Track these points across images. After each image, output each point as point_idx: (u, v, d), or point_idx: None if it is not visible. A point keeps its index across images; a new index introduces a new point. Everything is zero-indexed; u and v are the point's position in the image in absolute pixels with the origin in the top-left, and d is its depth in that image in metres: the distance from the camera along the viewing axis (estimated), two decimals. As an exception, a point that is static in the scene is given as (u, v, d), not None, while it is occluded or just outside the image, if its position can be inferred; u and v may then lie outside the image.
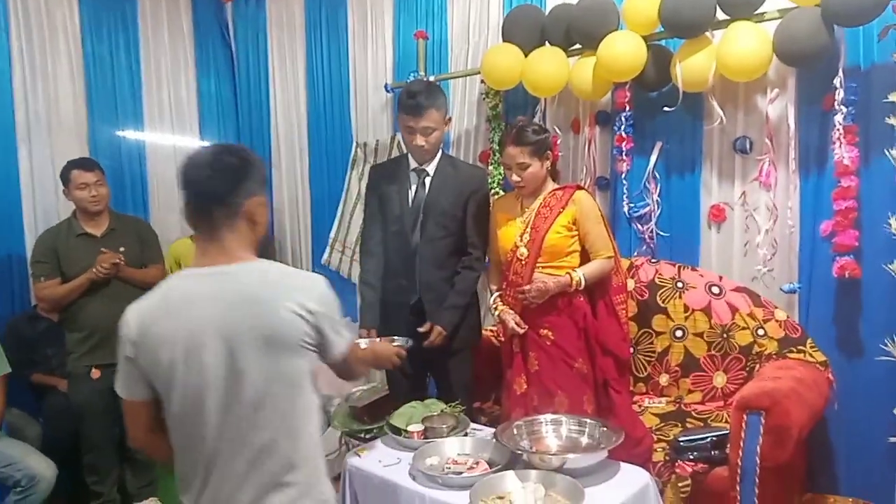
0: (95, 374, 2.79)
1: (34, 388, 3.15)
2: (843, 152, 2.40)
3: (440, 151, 2.52)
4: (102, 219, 2.87)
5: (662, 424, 2.52)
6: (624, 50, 2.64)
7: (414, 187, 2.48)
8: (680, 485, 2.17)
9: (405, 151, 2.58)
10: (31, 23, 3.41)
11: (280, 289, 1.31)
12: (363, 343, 2.22)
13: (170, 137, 4.04)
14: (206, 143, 4.21)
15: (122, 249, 2.83)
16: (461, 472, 1.89)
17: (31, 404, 3.13)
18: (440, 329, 2.45)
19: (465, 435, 2.15)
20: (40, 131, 3.43)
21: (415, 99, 2.34)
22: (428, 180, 2.48)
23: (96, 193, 2.80)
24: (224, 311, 1.28)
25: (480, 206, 2.51)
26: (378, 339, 2.40)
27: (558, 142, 3.10)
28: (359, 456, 2.09)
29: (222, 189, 1.32)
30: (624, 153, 2.90)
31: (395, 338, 2.28)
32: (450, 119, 2.54)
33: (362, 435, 2.46)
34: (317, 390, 1.38)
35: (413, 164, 2.49)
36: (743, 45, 2.44)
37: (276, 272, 1.36)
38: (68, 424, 2.90)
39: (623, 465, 1.90)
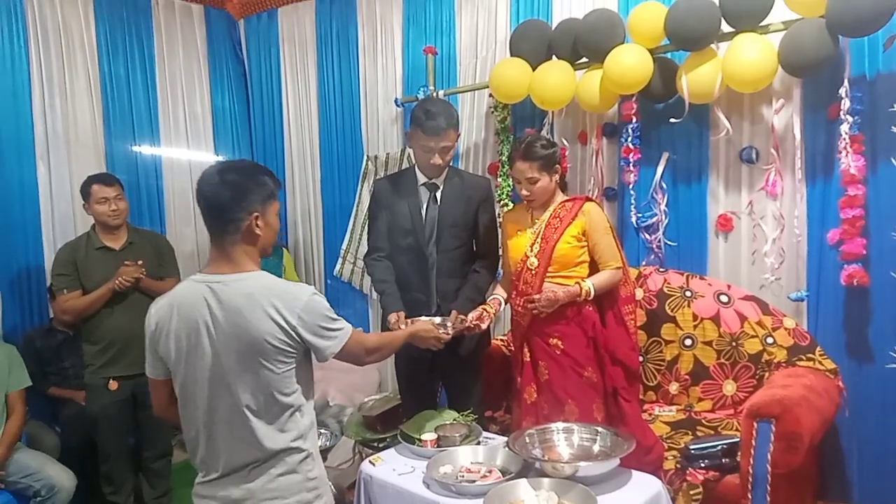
0: (113, 385, 2.83)
1: (51, 398, 3.20)
2: (849, 161, 2.42)
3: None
4: (121, 233, 2.93)
5: (673, 433, 2.54)
6: (630, 63, 2.68)
7: (426, 201, 2.51)
8: (691, 492, 2.18)
9: (412, 164, 2.61)
10: (50, 41, 3.50)
11: (263, 301, 1.45)
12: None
13: (185, 152, 4.12)
14: (221, 158, 4.29)
15: (140, 262, 2.88)
16: (474, 481, 1.91)
17: (49, 415, 3.18)
18: (462, 316, 2.38)
19: (478, 443, 2.18)
20: (58, 147, 3.51)
21: (435, 120, 2.36)
22: (439, 194, 2.51)
23: (116, 207, 2.86)
24: (214, 317, 1.45)
25: (490, 214, 2.58)
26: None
27: (566, 153, 3.14)
28: (373, 464, 2.12)
29: (224, 204, 1.48)
30: (631, 164, 2.93)
31: (436, 319, 2.32)
32: (459, 134, 2.58)
33: (375, 444, 2.49)
34: (302, 385, 1.53)
35: (422, 178, 2.52)
36: (748, 56, 2.47)
37: (263, 285, 1.48)
38: (85, 435, 2.94)
39: (635, 472, 1.92)
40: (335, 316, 1.54)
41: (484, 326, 2.37)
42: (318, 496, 1.55)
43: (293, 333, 1.45)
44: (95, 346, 2.85)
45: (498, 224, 2.68)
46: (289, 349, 1.46)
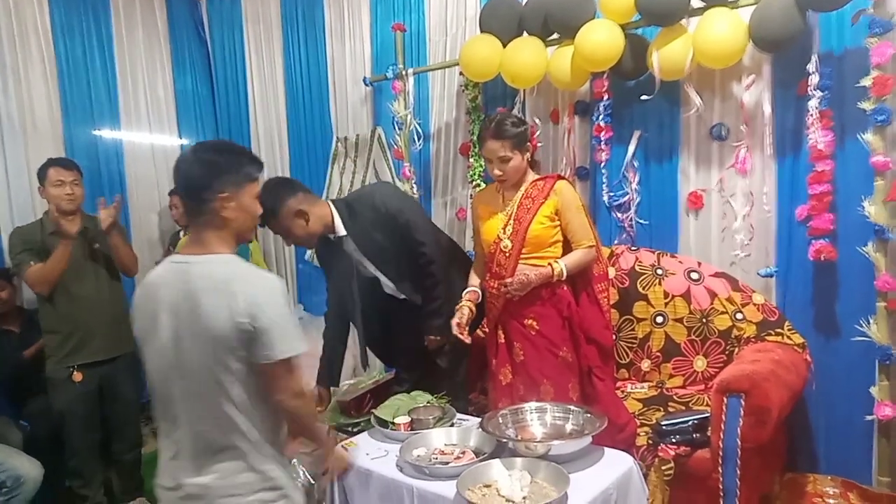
0: (77, 377, 2.76)
1: (15, 394, 3.11)
2: (817, 137, 2.43)
3: (331, 210, 2.38)
4: (75, 219, 2.83)
5: (645, 409, 2.56)
6: (601, 39, 2.65)
7: (348, 254, 2.46)
8: (663, 468, 2.20)
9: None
10: (1, 23, 3.35)
11: (222, 290, 1.36)
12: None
13: (147, 136, 4.01)
14: (185, 142, 4.18)
15: (96, 246, 2.81)
16: (448, 462, 1.90)
17: (13, 410, 3.09)
18: (431, 339, 2.53)
19: (452, 425, 2.17)
20: (14, 134, 3.38)
21: (262, 212, 2.31)
22: (349, 241, 2.42)
23: (71, 192, 2.77)
24: (175, 300, 1.40)
25: (400, 218, 2.40)
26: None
27: (536, 133, 3.11)
28: (346, 449, 2.09)
29: (196, 183, 1.43)
30: (603, 142, 2.92)
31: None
32: (303, 212, 2.28)
33: (350, 428, 2.47)
34: (260, 384, 1.41)
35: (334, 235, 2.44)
36: (718, 32, 2.46)
37: (227, 273, 1.39)
38: (52, 429, 2.86)
39: (607, 450, 1.92)
40: (293, 326, 1.40)
41: (467, 337, 2.35)
42: (282, 496, 1.46)
43: (244, 327, 1.34)
44: (57, 335, 2.77)
45: (457, 193, 2.71)
46: (238, 344, 1.35)
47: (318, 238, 2.43)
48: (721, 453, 2.12)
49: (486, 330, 2.51)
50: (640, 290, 2.80)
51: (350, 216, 2.40)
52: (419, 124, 3.46)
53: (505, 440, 1.93)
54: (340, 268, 2.51)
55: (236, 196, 1.44)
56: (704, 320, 2.68)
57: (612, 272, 2.81)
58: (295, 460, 2.44)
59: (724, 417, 2.11)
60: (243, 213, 1.47)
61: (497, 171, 2.28)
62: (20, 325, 3.14)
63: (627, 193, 2.97)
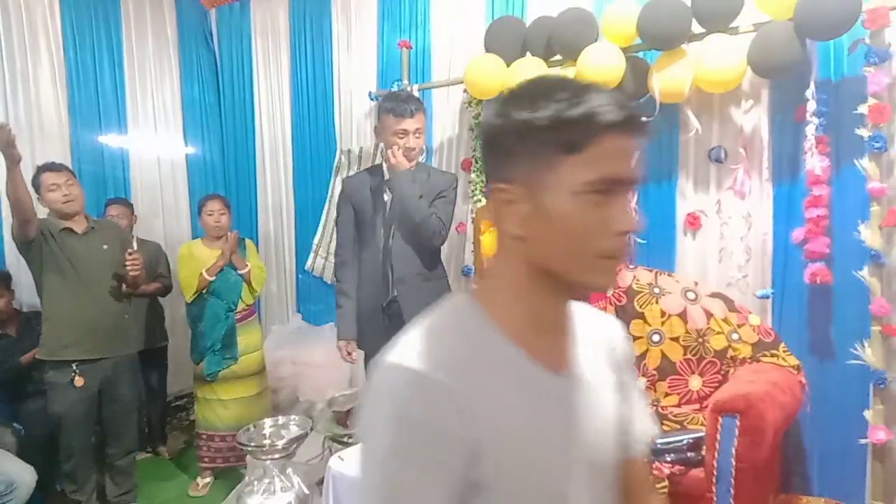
0: (79, 381, 2.75)
1: (10, 395, 3.11)
2: (814, 162, 2.47)
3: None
4: (80, 219, 2.83)
5: (641, 428, 2.56)
6: (603, 61, 2.70)
7: (390, 197, 2.51)
8: (657, 486, 2.21)
9: (379, 162, 2.63)
10: (12, 27, 3.39)
11: None
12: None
13: (153, 143, 4.04)
14: (190, 150, 4.20)
15: (105, 247, 2.82)
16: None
17: (8, 412, 3.09)
18: None
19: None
20: (21, 136, 3.37)
21: (407, 103, 2.43)
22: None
23: (68, 192, 2.76)
24: None
25: (447, 197, 2.55)
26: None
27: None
28: (341, 459, 2.10)
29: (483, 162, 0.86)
30: (603, 162, 2.94)
31: None
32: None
33: (345, 439, 2.48)
34: None
35: (389, 175, 2.52)
36: (718, 57, 2.50)
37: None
38: (48, 431, 2.86)
39: (601, 466, 1.93)
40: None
41: None
42: None
43: None
44: (56, 323, 2.72)
45: (457, 208, 2.73)
46: None
47: (369, 176, 2.58)
48: (715, 473, 2.12)
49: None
50: (637, 308, 2.82)
51: (421, 172, 2.53)
52: (422, 139, 3.50)
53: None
54: (371, 209, 2.53)
55: (532, 186, 0.73)
56: (700, 340, 2.70)
57: (609, 290, 2.84)
58: (290, 469, 2.46)
59: (718, 437, 2.12)
60: (550, 224, 0.73)
61: None
62: (17, 329, 3.14)
63: (626, 212, 3.00)
